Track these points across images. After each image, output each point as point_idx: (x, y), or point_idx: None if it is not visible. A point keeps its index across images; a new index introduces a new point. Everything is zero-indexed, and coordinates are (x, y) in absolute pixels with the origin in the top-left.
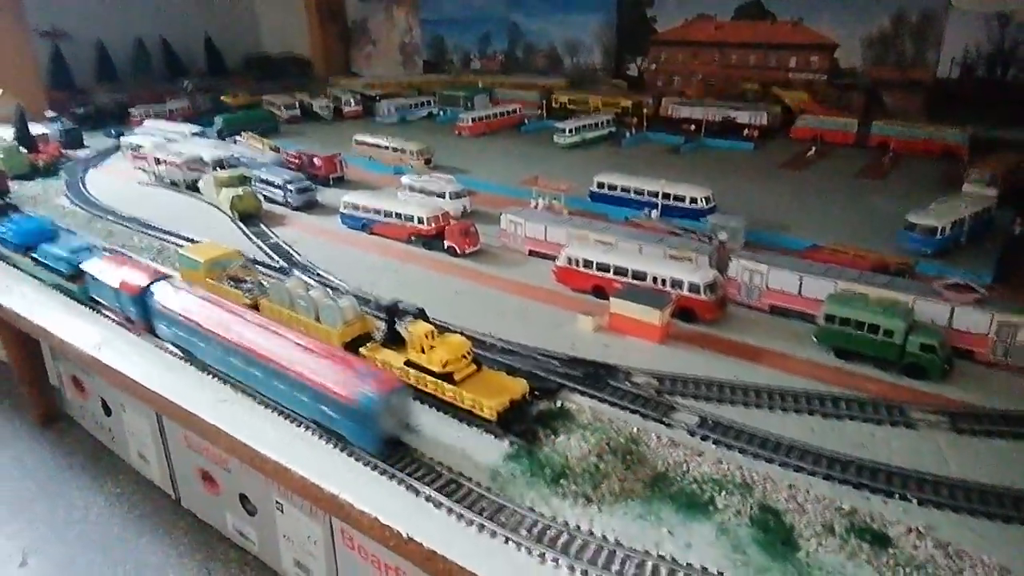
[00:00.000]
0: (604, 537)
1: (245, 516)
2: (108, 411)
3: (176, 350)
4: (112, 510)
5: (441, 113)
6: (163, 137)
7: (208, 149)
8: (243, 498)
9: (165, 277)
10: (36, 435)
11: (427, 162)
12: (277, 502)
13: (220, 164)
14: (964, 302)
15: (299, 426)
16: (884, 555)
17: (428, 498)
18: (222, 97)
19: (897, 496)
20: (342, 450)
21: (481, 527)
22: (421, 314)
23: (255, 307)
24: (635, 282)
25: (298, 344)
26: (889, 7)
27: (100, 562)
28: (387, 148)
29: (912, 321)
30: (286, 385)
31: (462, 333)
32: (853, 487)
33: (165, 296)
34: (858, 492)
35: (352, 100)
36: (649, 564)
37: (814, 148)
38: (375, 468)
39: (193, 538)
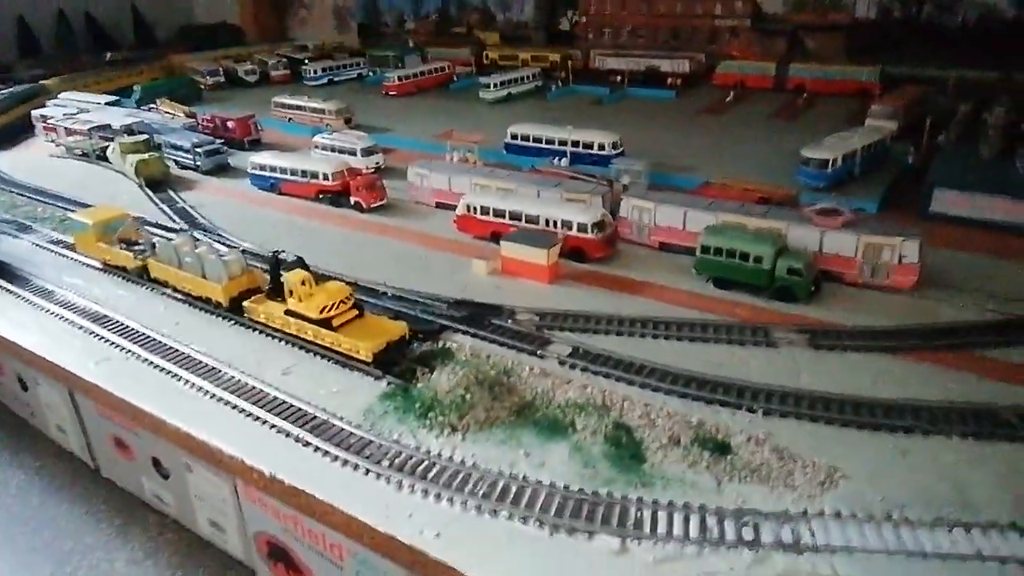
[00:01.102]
0: (463, 462)
1: (159, 480)
2: (25, 386)
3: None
4: (32, 483)
5: (371, 73)
6: (76, 107)
7: (118, 117)
8: (156, 462)
9: None
10: None
11: (347, 121)
12: (186, 463)
13: (130, 131)
14: (832, 227)
15: (179, 381)
16: (723, 462)
17: (297, 439)
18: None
19: (745, 408)
20: (219, 401)
21: (345, 462)
22: (299, 263)
23: (144, 267)
24: (528, 226)
25: None
26: None
27: (18, 533)
28: (305, 109)
29: (781, 247)
30: None
31: (355, 284)
32: (705, 403)
33: None
34: (708, 407)
35: (280, 64)
36: (500, 483)
37: (732, 93)
38: (249, 416)
39: (112, 505)
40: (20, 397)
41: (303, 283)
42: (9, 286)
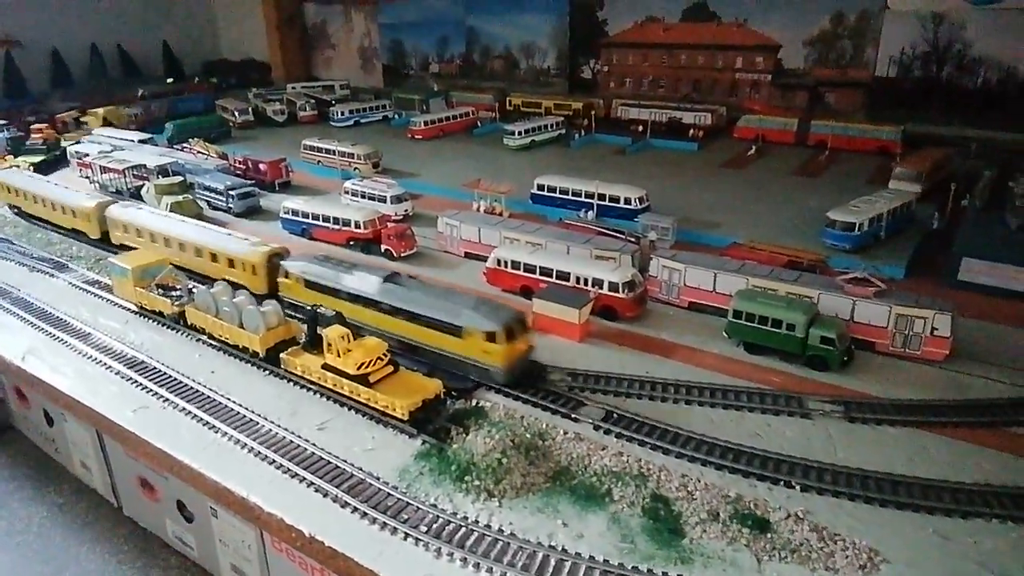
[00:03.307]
0: (500, 530)
1: (183, 522)
2: (51, 421)
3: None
4: (54, 520)
5: (396, 116)
6: (110, 145)
7: (152, 156)
8: (180, 505)
9: None
10: None
11: (375, 166)
12: (211, 508)
13: (164, 171)
14: (864, 296)
15: (215, 432)
16: (762, 539)
17: (335, 498)
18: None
19: (782, 483)
20: (255, 455)
21: (383, 525)
22: (338, 318)
23: (181, 313)
24: (559, 282)
25: None
26: (828, 8)
27: (40, 572)
28: (335, 153)
29: (814, 315)
30: None
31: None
32: (742, 475)
33: None
34: (746, 480)
35: (307, 104)
36: (540, 555)
37: (754, 147)
38: (286, 472)
39: (134, 545)
40: (45, 432)
41: (342, 338)
42: (46, 327)
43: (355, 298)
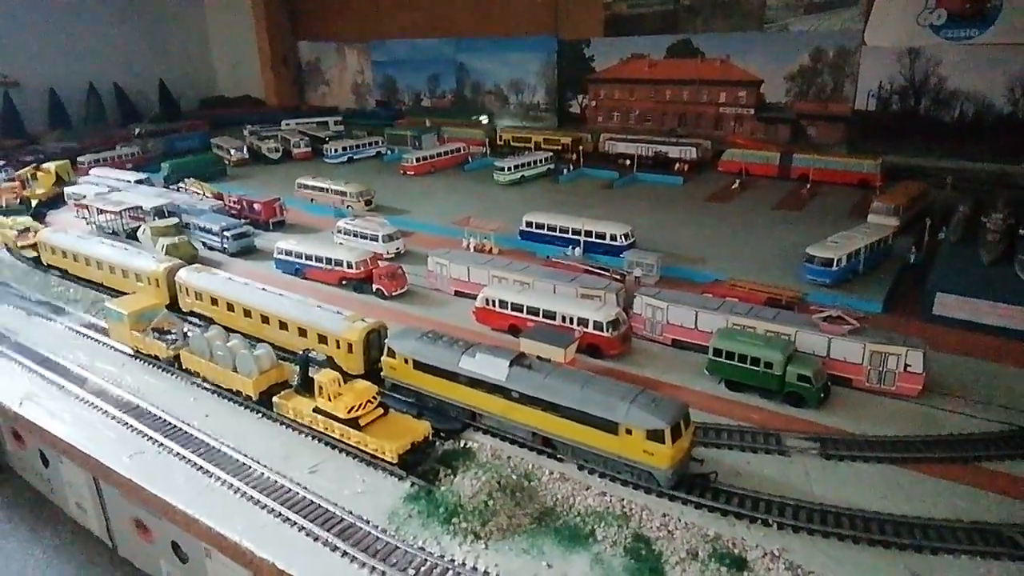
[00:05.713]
0: (486, 573)
1: (178, 563)
2: (46, 462)
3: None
4: (50, 562)
5: (389, 152)
6: (106, 186)
7: (148, 198)
8: (175, 546)
9: None
10: None
11: (367, 203)
12: (205, 548)
13: (160, 212)
14: (838, 333)
15: (209, 476)
16: None
17: (326, 542)
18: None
19: (759, 521)
20: (248, 499)
21: (372, 569)
22: (330, 362)
23: (176, 357)
24: (546, 321)
25: None
26: (807, 44)
27: None
28: (328, 191)
29: (791, 353)
30: None
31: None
32: (721, 514)
33: None
34: (724, 518)
35: (301, 142)
36: None
37: (738, 181)
38: (278, 516)
39: None
40: (41, 472)
41: (333, 381)
42: (44, 371)
43: (476, 383)
